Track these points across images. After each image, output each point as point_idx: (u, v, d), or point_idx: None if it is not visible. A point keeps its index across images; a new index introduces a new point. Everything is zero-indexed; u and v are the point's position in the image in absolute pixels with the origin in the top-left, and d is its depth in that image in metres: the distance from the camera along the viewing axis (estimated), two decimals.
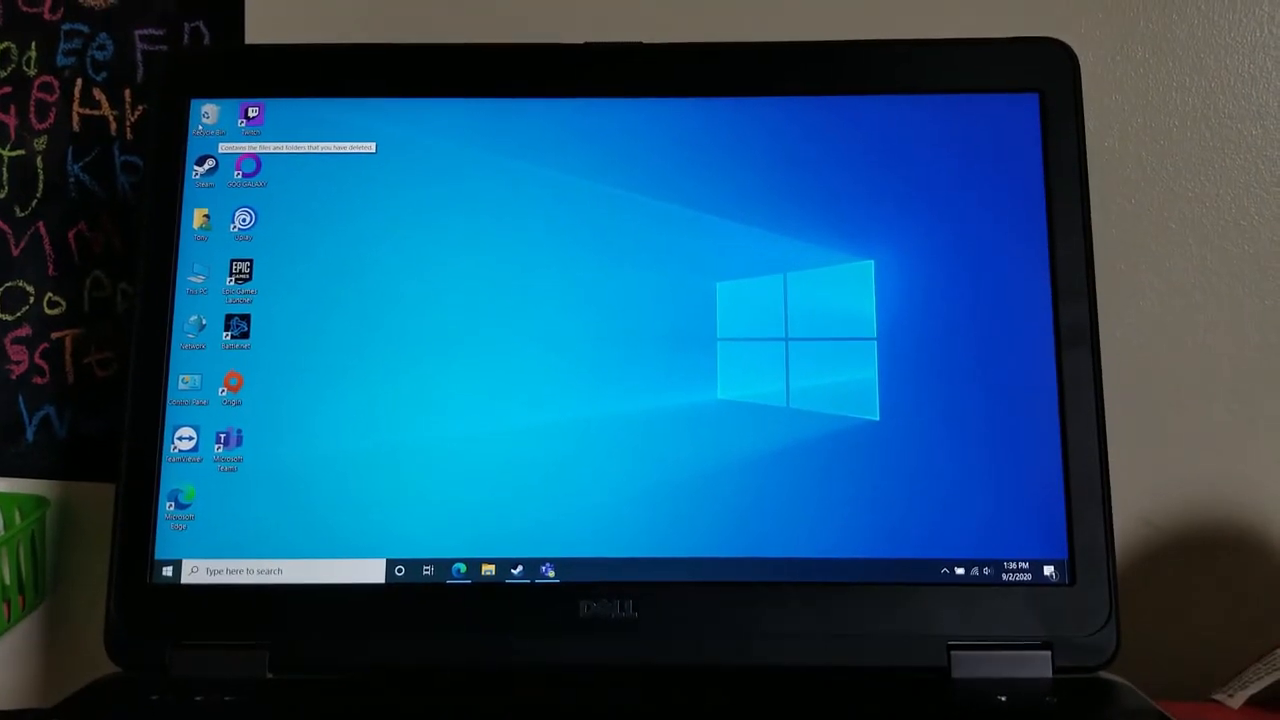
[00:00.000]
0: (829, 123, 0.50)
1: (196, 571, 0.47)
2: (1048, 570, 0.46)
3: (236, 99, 0.51)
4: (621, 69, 0.50)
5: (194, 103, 0.51)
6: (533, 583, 0.47)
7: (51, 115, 0.59)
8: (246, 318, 0.49)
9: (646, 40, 0.50)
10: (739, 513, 0.47)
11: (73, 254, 0.58)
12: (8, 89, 0.59)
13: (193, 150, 0.50)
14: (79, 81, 0.59)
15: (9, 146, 0.58)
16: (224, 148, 0.50)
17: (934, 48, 0.50)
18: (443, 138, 0.50)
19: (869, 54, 0.50)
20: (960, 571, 0.47)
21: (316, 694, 0.45)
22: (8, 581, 0.54)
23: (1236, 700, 0.47)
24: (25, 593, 0.55)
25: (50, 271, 0.58)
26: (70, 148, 0.58)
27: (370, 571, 0.47)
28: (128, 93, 0.59)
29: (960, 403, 0.48)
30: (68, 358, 0.58)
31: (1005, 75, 0.50)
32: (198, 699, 0.44)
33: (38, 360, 0.58)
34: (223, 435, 0.48)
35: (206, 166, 0.50)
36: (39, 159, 0.58)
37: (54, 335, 0.58)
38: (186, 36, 0.59)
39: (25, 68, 0.59)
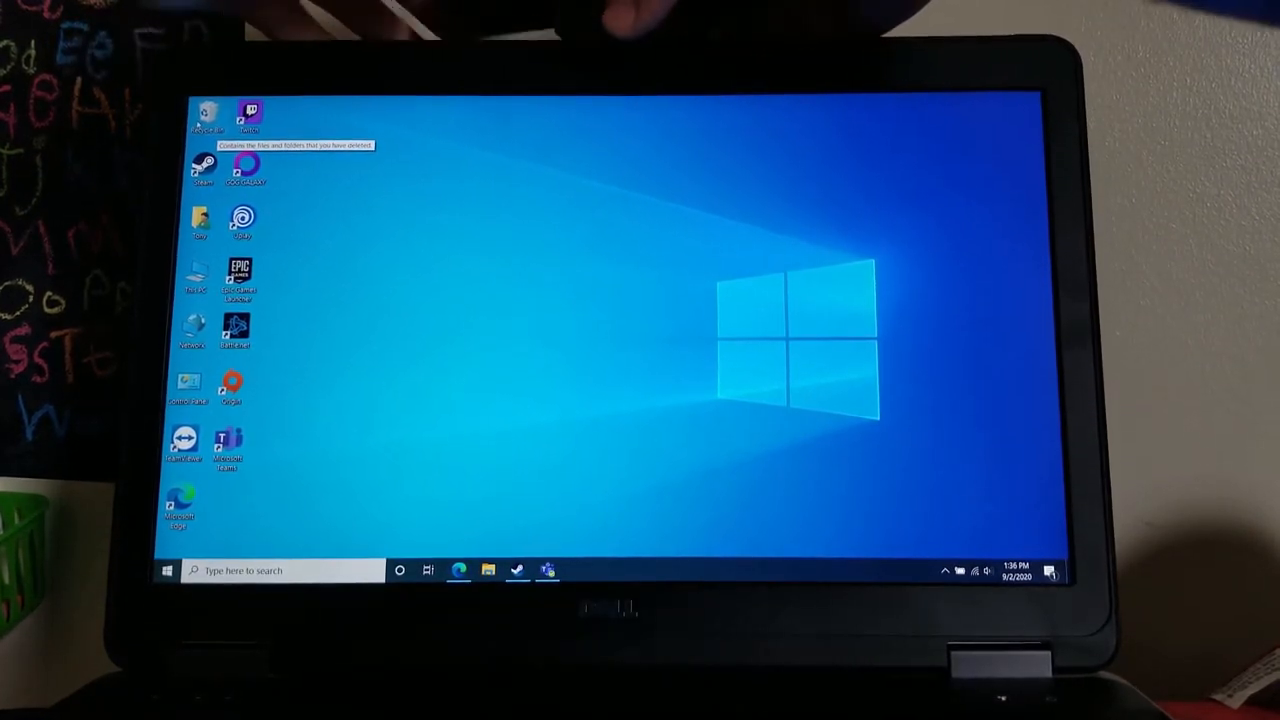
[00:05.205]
0: (829, 121, 0.49)
1: (196, 571, 0.47)
2: (1048, 570, 0.46)
3: (235, 96, 0.50)
4: (621, 67, 0.50)
5: (192, 100, 0.50)
6: (533, 583, 0.47)
7: (51, 114, 0.58)
8: (246, 316, 0.49)
9: None
10: (739, 513, 0.47)
11: (72, 253, 0.58)
12: (7, 87, 0.59)
13: (191, 148, 0.50)
14: (78, 80, 0.59)
15: (8, 145, 0.58)
16: (222, 145, 0.50)
17: (935, 46, 0.50)
18: (442, 136, 0.50)
19: (870, 52, 0.50)
20: (960, 571, 0.46)
21: (316, 694, 0.45)
22: (7, 581, 0.53)
23: (1236, 700, 0.47)
24: (25, 593, 0.55)
25: (49, 270, 0.58)
26: (70, 146, 0.58)
27: (370, 571, 0.47)
28: (127, 91, 0.58)
29: (961, 402, 0.48)
30: (67, 357, 0.57)
31: (1007, 73, 0.49)
32: (198, 699, 0.44)
33: (37, 359, 0.57)
34: (222, 435, 0.48)
35: (205, 164, 0.50)
36: (38, 157, 0.58)
37: (53, 334, 0.58)
38: (186, 34, 0.59)
39: (25, 66, 0.59)
